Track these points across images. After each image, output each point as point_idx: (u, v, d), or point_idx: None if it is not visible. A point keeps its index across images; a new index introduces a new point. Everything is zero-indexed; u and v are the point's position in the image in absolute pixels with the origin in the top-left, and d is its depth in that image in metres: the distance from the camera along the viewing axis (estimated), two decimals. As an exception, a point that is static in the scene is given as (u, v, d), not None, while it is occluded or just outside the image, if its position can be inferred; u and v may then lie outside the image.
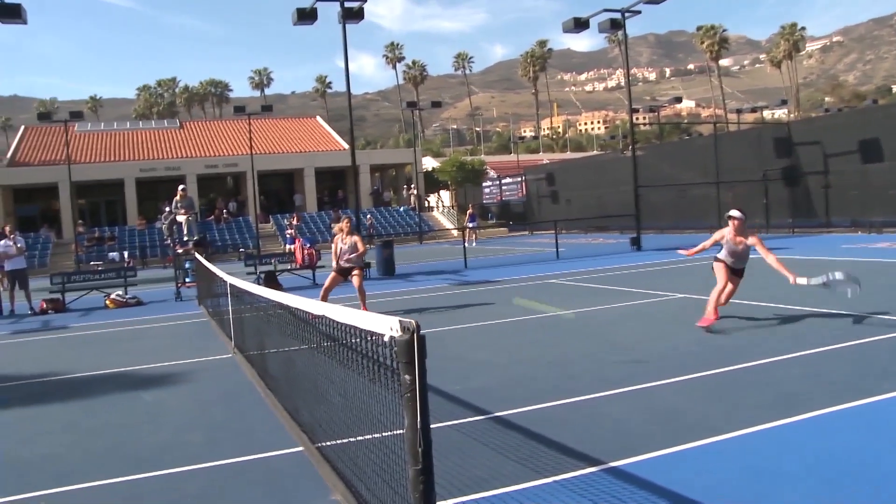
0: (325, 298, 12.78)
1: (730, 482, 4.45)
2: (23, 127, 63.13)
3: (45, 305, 17.93)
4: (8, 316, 17.87)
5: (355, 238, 13.03)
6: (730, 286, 9.87)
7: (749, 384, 6.66)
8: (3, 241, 18.42)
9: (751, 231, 9.82)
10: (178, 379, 8.78)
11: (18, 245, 18.38)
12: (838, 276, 9.09)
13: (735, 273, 9.86)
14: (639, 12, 24.62)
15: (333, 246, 13.18)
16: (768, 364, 7.35)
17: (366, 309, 12.18)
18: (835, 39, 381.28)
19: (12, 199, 49.42)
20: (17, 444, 6.44)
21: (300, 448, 5.55)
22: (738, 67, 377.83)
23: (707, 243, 10.13)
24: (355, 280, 12.80)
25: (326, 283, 13.03)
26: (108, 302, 18.13)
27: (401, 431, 3.20)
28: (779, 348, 7.93)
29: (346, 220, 13.52)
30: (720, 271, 9.78)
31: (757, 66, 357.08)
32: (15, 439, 6.63)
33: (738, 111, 53.36)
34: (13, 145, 57.99)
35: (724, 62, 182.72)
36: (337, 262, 12.93)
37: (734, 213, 9.75)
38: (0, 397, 8.43)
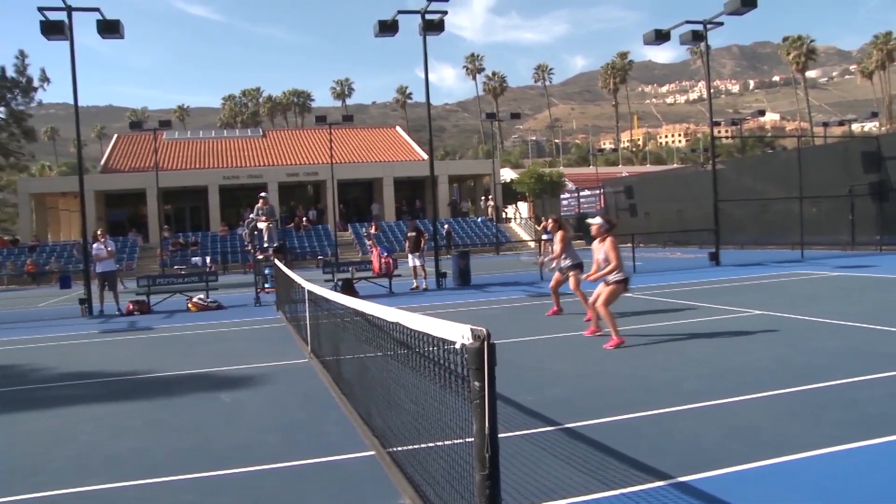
0: (554, 294, 13.96)
1: (806, 502, 4.37)
2: (115, 135, 65.66)
3: (131, 307, 18.60)
4: (97, 316, 18.60)
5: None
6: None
7: (830, 403, 6.50)
8: (95, 245, 19.20)
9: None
10: (257, 381, 9.02)
11: (109, 248, 19.15)
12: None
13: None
14: (721, 24, 24.20)
15: None
16: (851, 384, 7.14)
17: (588, 307, 11.47)
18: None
19: (104, 204, 51.35)
20: (107, 438, 6.75)
21: (372, 452, 5.66)
22: (826, 79, 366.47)
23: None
24: (570, 281, 13.10)
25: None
26: (190, 305, 18.68)
27: (470, 438, 3.27)
28: (863, 368, 7.69)
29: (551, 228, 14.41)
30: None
31: (846, 77, 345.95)
32: (105, 433, 6.94)
33: (825, 124, 51.70)
34: (106, 153, 60.35)
35: (811, 74, 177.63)
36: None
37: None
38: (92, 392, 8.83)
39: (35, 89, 50.91)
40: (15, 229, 55.56)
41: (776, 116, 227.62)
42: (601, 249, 10.15)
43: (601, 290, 10.16)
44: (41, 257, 43.36)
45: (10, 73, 49.75)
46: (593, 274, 10.35)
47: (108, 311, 18.78)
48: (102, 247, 18.97)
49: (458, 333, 3.22)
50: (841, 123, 51.23)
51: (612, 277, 10.04)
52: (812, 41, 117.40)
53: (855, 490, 4.52)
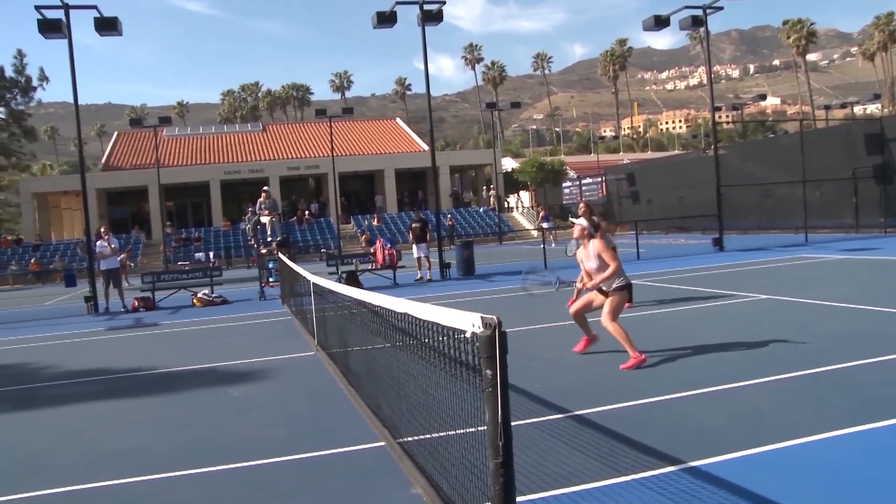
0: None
1: (811, 485, 4.37)
2: (116, 133, 65.71)
3: (136, 303, 18.62)
4: (103, 313, 18.64)
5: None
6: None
7: (834, 387, 6.50)
8: (98, 242, 19.23)
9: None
10: (263, 375, 9.03)
11: (112, 245, 19.16)
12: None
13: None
14: (721, 8, 24.11)
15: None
16: (855, 367, 7.14)
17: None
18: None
19: (106, 202, 51.38)
20: (113, 434, 6.76)
21: (382, 443, 5.67)
22: (826, 62, 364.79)
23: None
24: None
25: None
26: (195, 300, 18.70)
27: (482, 427, 3.26)
28: (867, 351, 7.69)
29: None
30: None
31: (848, 59, 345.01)
32: (112, 429, 6.95)
33: (827, 107, 51.56)
34: (107, 150, 60.40)
35: (811, 57, 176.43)
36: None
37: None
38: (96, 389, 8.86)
39: (34, 88, 51.05)
40: (18, 229, 55.67)
41: (777, 101, 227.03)
42: (590, 255, 8.36)
43: (591, 300, 8.60)
44: (45, 256, 43.41)
45: (9, 72, 49.95)
46: (590, 282, 8.46)
47: (114, 308, 18.80)
48: (106, 244, 18.99)
49: (469, 322, 3.21)
50: (843, 106, 51.09)
51: (615, 283, 8.28)
52: (812, 24, 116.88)
53: (857, 473, 4.53)
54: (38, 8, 18.80)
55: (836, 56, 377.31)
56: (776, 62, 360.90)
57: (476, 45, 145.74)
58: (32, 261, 41.90)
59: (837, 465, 4.68)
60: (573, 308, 8.91)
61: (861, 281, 14.28)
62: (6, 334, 15.58)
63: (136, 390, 8.75)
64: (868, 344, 8.07)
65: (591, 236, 8.46)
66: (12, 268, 41.38)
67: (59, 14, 18.98)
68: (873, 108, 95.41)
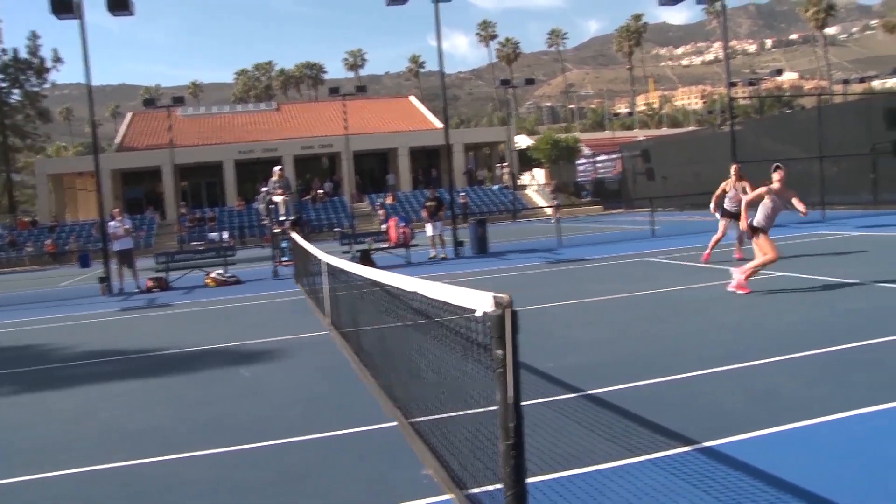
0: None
1: (831, 466, 4.30)
2: (130, 113, 65.76)
3: (150, 284, 18.65)
4: (117, 293, 18.70)
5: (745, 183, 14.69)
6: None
7: (858, 365, 6.39)
8: (112, 223, 19.25)
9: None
10: (276, 355, 9.02)
11: (126, 226, 19.18)
12: None
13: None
14: (738, -19, 23.78)
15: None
16: (881, 344, 7.03)
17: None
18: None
19: (120, 183, 51.54)
20: (128, 414, 6.77)
21: (394, 423, 5.63)
22: (845, 35, 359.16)
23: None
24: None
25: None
26: (208, 280, 18.72)
27: (493, 407, 3.21)
28: (891, 328, 7.57)
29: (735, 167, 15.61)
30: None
31: (867, 32, 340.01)
32: (127, 410, 6.96)
33: (845, 82, 51.05)
34: (121, 131, 60.51)
35: (830, 30, 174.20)
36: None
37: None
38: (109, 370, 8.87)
39: (48, 70, 51.27)
40: (34, 210, 55.95)
41: (794, 76, 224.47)
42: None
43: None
44: (61, 237, 43.64)
45: (24, 54, 50.14)
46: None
47: (128, 288, 18.87)
48: (119, 225, 19.01)
49: (480, 301, 3.15)
50: (862, 80, 50.54)
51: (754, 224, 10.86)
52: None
53: (879, 453, 4.45)
54: (50, -13, 18.72)
55: (855, 29, 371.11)
56: (793, 36, 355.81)
57: (490, 22, 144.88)
58: (48, 242, 42.14)
59: (858, 444, 4.60)
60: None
61: (881, 257, 14.11)
62: (22, 315, 15.67)
63: (150, 370, 8.75)
64: (892, 321, 7.95)
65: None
66: (28, 249, 41.63)
67: (71, -6, 18.90)
68: (893, 83, 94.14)
